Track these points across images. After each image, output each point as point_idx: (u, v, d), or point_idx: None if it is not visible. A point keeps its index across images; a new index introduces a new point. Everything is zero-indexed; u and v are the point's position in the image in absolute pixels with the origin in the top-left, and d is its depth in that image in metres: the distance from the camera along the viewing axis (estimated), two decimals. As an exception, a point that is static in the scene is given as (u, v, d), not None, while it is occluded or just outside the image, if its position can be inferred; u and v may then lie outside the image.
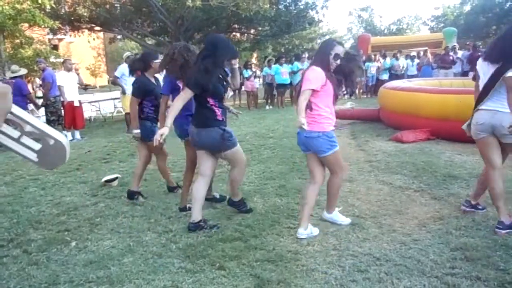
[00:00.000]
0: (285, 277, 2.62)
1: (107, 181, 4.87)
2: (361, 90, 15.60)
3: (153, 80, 4.15)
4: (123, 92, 8.97)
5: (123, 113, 11.36)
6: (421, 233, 3.20)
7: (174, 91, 3.71)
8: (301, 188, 4.34)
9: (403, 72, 14.70)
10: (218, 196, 4.13)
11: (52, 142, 1.19)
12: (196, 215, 3.38)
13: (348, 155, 5.94)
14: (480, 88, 3.26)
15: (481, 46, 12.56)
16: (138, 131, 4.06)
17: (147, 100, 4.07)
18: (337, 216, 3.48)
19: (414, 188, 4.31)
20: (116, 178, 4.93)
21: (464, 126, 3.47)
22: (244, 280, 2.60)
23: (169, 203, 4.11)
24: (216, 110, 3.31)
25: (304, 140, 3.26)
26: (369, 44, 19.88)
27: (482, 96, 3.20)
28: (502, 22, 26.04)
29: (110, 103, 13.48)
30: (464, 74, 11.99)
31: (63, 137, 1.24)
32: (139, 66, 4.14)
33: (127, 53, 9.65)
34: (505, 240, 3.00)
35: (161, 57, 4.02)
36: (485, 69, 3.20)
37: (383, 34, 39.33)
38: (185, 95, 3.19)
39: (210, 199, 3.99)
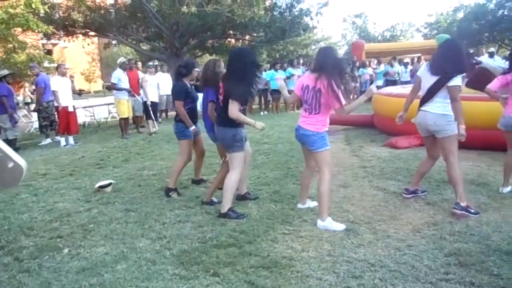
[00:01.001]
0: (280, 283, 2.60)
1: (100, 187, 4.83)
2: (355, 96, 15.68)
3: (189, 85, 4.54)
4: (130, 94, 8.95)
5: (118, 118, 11.35)
6: (416, 239, 3.21)
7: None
8: (296, 194, 4.34)
9: (397, 78, 14.81)
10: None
11: (11, 164, 1.19)
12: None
13: (342, 160, 5.96)
14: (423, 91, 3.85)
15: (473, 53, 12.68)
16: (194, 127, 4.43)
17: (185, 103, 4.40)
18: (331, 223, 3.48)
19: (408, 193, 4.32)
20: (110, 184, 4.90)
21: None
22: (239, 287, 2.58)
23: (163, 209, 4.08)
24: None
25: (300, 136, 3.67)
26: (363, 51, 20.03)
27: (425, 99, 3.80)
28: (495, 29, 26.32)
29: (104, 108, 13.42)
30: None
31: (23, 162, 1.24)
32: (183, 72, 4.49)
33: (121, 59, 9.63)
34: (498, 245, 3.02)
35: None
36: (427, 77, 3.80)
37: (377, 40, 39.64)
38: (236, 107, 3.59)
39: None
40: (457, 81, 3.60)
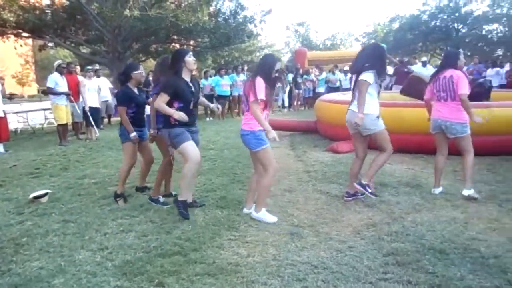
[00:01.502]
0: (225, 290, 2.61)
1: (35, 197, 4.55)
2: (298, 102, 16.10)
3: (135, 90, 4.45)
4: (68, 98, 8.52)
5: (55, 124, 10.77)
6: (356, 240, 3.34)
7: None
8: (242, 199, 4.37)
9: (338, 85, 15.40)
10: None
11: None
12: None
13: (287, 165, 6.08)
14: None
15: (407, 62, 13.49)
16: (134, 133, 4.34)
17: (128, 108, 4.35)
18: (265, 215, 3.73)
19: (349, 196, 4.50)
20: (46, 194, 4.63)
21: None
22: (184, 296, 2.56)
23: (105, 219, 3.93)
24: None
25: (240, 137, 3.84)
26: (305, 58, 20.60)
27: (351, 99, 4.24)
28: (428, 39, 28.24)
29: (40, 113, 12.69)
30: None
31: None
32: (121, 78, 4.47)
33: (58, 62, 9.17)
34: (432, 244, 3.21)
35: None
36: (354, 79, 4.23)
37: (318, 48, 40.98)
38: (162, 98, 3.72)
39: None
40: (366, 76, 3.98)
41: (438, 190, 4.55)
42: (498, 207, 4.06)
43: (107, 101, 11.45)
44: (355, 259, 3.00)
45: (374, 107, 4.09)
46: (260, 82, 3.59)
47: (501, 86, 10.43)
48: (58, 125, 8.65)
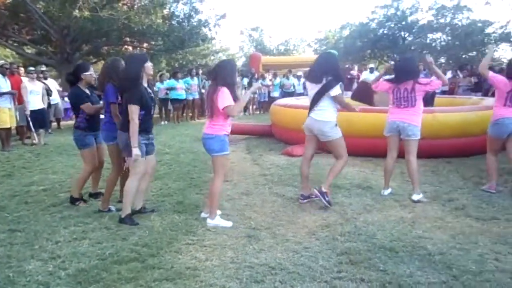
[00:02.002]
0: (184, 294, 2.61)
1: (-23, 206, 4.30)
2: (254, 106, 16.24)
3: (86, 90, 4.36)
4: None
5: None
6: (311, 241, 3.45)
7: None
8: (199, 203, 4.37)
9: (292, 90, 15.70)
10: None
11: None
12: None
13: (244, 169, 6.14)
14: (310, 99, 4.40)
15: (348, 68, 14.09)
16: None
17: (81, 112, 4.28)
18: (220, 221, 3.83)
19: (304, 198, 4.63)
20: (-10, 202, 4.38)
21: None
22: (142, 302, 2.53)
23: (56, 227, 3.78)
24: None
25: (202, 141, 3.86)
26: (260, 63, 20.82)
27: (311, 106, 4.35)
28: (376, 46, 29.32)
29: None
30: None
31: None
32: (70, 79, 4.39)
33: (0, 62, 8.67)
34: (382, 242, 3.38)
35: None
36: (310, 87, 4.40)
37: (272, 53, 41.43)
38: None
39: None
40: (336, 90, 4.19)
41: (387, 191, 4.78)
42: (442, 207, 4.33)
43: (56, 103, 10.95)
44: (311, 259, 3.09)
45: (334, 115, 4.31)
46: (224, 93, 3.65)
47: (443, 92, 11.14)
48: (1, 129, 8.14)
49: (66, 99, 10.86)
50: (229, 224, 3.80)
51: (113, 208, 4.24)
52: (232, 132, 9.24)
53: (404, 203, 4.44)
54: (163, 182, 5.39)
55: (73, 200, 4.44)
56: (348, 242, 3.40)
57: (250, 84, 15.43)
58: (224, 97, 3.64)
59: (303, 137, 7.87)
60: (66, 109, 12.13)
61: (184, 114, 13.81)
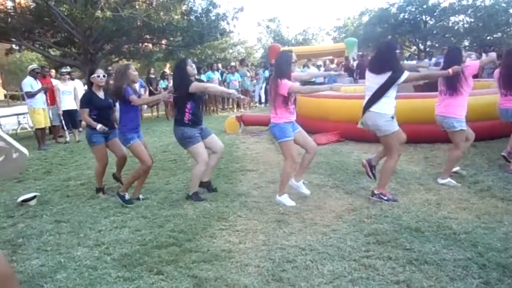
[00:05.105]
0: (222, 274, 2.79)
1: (24, 200, 4.60)
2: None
3: (99, 93, 4.73)
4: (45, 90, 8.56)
5: (30, 129, 10.66)
6: (339, 224, 3.59)
7: None
8: (229, 192, 4.56)
9: (313, 79, 15.66)
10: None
11: (15, 155, 1.27)
12: None
13: (269, 159, 6.30)
14: (368, 93, 4.07)
15: (367, 55, 13.93)
16: (100, 125, 4.57)
17: (91, 111, 4.63)
18: (285, 199, 4.20)
19: (330, 185, 4.76)
20: (35, 196, 4.68)
21: (360, 125, 4.29)
22: (183, 281, 2.72)
23: (97, 217, 4.05)
24: None
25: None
26: (279, 54, 20.78)
27: (373, 99, 4.00)
28: (397, 32, 28.68)
29: (12, 119, 12.43)
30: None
31: (26, 150, 1.32)
32: (88, 83, 4.88)
33: (32, 66, 9.07)
34: (408, 224, 3.48)
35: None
36: (371, 79, 4.06)
37: (290, 44, 41.22)
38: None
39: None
40: (405, 74, 3.92)
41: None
42: (467, 189, 4.39)
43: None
44: (339, 241, 3.24)
45: (391, 107, 4.00)
46: (283, 83, 3.98)
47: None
48: (36, 129, 8.58)
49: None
50: (292, 203, 4.12)
51: (141, 196, 4.56)
52: (254, 124, 9.39)
53: (429, 187, 4.51)
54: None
55: (97, 190, 4.89)
56: (375, 224, 3.52)
57: (270, 76, 15.56)
58: (284, 86, 3.96)
59: (325, 126, 7.98)
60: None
61: (206, 108, 14.07)
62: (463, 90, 4.41)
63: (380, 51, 4.14)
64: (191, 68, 4.36)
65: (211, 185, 4.74)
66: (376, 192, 4.15)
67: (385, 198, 4.09)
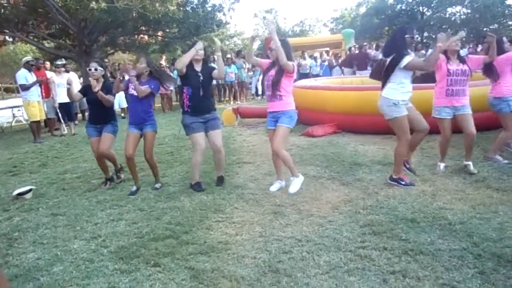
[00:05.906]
0: (218, 265, 2.81)
1: (19, 194, 4.59)
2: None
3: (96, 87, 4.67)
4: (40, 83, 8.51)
5: (24, 122, 10.59)
6: (335, 215, 3.60)
7: None
8: (226, 184, 4.56)
9: (308, 71, 15.63)
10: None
11: None
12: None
13: (265, 151, 6.29)
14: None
15: (365, 45, 13.81)
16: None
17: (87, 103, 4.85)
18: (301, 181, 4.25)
19: (326, 176, 4.77)
20: (30, 190, 4.67)
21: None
22: (180, 273, 2.74)
23: (94, 210, 4.05)
24: None
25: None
26: (276, 45, 20.66)
27: (383, 83, 4.16)
28: (394, 23, 28.65)
29: (7, 111, 12.35)
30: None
31: None
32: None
33: (26, 58, 8.99)
34: (404, 214, 3.51)
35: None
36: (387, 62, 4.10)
37: (287, 35, 41.07)
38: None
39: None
40: (407, 58, 3.94)
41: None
42: (462, 180, 4.40)
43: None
44: (335, 232, 3.25)
45: (397, 93, 4.05)
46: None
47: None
48: (32, 122, 8.53)
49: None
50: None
51: (158, 185, 4.65)
52: (251, 116, 9.37)
53: (425, 178, 4.53)
54: (188, 165, 5.58)
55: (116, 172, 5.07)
56: (371, 215, 3.54)
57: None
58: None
59: (322, 118, 7.97)
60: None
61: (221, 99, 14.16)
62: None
63: (392, 35, 4.29)
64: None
65: (221, 180, 4.70)
66: (394, 176, 4.29)
67: (403, 183, 4.22)
